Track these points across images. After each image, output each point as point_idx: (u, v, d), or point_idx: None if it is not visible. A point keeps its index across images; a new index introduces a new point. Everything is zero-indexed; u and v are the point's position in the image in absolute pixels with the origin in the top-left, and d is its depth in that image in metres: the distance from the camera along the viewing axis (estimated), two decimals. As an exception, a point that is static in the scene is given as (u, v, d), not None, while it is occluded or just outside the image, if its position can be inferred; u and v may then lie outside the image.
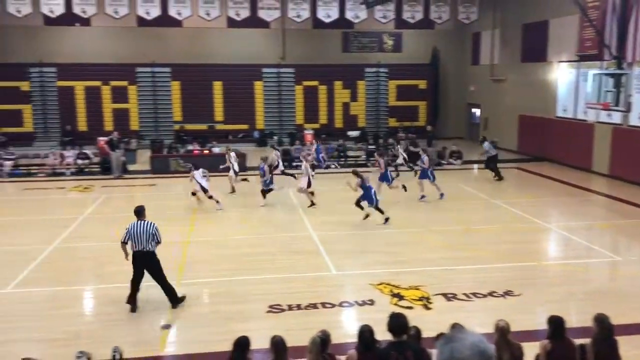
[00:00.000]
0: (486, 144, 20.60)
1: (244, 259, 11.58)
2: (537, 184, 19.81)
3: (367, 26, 29.03)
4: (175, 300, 9.11)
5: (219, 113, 30.23)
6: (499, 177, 20.05)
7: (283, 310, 8.97)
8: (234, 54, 29.87)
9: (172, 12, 25.14)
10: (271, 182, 16.37)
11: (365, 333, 5.39)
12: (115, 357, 5.74)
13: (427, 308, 9.08)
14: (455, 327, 5.38)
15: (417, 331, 5.75)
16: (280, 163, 19.12)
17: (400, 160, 20.81)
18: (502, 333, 5.83)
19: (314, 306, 9.11)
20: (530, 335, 7.26)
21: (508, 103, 26.79)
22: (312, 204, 16.09)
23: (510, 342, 5.83)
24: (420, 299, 9.36)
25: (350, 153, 24.83)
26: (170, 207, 16.35)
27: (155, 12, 25.07)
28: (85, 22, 27.38)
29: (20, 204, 17.19)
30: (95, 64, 28.81)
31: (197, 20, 26.35)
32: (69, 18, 25.73)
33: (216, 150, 23.95)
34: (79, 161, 22.48)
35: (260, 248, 12.38)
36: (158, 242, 9.02)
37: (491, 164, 20.44)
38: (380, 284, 9.99)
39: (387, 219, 14.13)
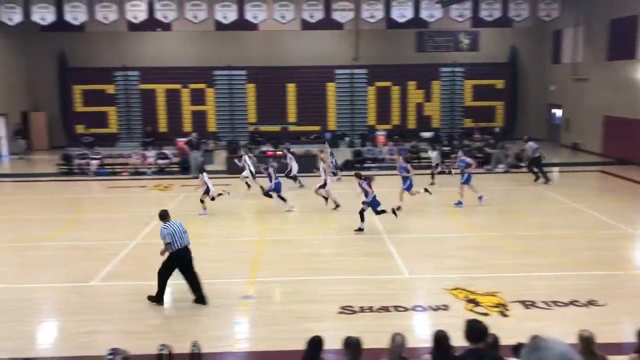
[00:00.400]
0: (530, 144, 20.03)
1: (315, 259, 11.66)
2: (622, 189, 18.73)
3: (442, 25, 28.50)
4: (201, 297, 9.25)
5: (292, 114, 30.64)
6: (546, 180, 19.41)
7: (355, 312, 8.95)
8: (307, 56, 30.20)
9: (249, 16, 25.69)
10: (278, 187, 16.00)
11: (442, 338, 5.28)
12: (193, 352, 5.92)
13: (504, 315, 8.78)
14: (536, 338, 5.17)
15: (495, 339, 5.56)
16: (295, 167, 19.37)
17: (435, 162, 20.01)
18: (587, 344, 5.54)
19: (385, 309, 9.03)
20: (617, 348, 6.87)
21: (591, 103, 25.50)
22: (332, 202, 16.16)
23: (595, 353, 5.53)
24: (496, 306, 9.07)
25: (423, 155, 24.42)
26: (243, 206, 16.73)
27: (232, 16, 25.71)
28: (166, 27, 28.53)
29: (105, 201, 18.10)
30: (175, 67, 29.98)
31: (272, 23, 26.80)
32: (151, 23, 26.87)
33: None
34: (160, 161, 23.40)
35: (331, 249, 12.41)
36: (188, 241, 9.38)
37: (534, 165, 19.86)
38: (455, 289, 9.76)
39: (360, 229, 13.45)
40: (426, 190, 15.90)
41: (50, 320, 9.17)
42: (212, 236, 13.58)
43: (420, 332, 8.16)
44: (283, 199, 15.97)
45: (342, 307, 9.05)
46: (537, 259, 11.49)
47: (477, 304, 9.16)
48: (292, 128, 30.36)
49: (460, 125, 30.62)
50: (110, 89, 30.15)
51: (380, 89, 30.67)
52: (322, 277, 10.51)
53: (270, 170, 16.09)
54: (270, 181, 16.01)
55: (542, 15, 26.50)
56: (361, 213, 13.43)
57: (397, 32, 29.45)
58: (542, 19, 26.81)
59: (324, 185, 16.23)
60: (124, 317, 8.92)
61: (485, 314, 8.65)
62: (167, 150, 24.12)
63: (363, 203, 13.53)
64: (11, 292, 10.05)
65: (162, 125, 30.40)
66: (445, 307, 9.06)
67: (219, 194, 15.88)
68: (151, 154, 23.61)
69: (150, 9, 25.52)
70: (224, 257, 11.90)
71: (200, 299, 9.28)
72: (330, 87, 30.74)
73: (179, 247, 9.12)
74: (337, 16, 26.30)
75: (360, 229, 13.46)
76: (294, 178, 19.27)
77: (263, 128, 29.90)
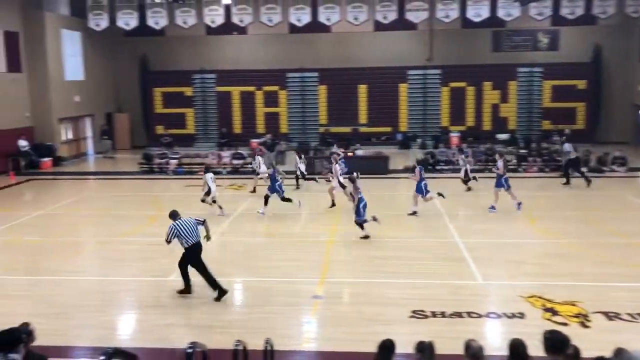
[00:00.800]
0: (567, 145, 19.34)
1: (387, 261, 11.57)
2: None
3: (520, 24, 27.61)
4: (219, 289, 9.50)
5: (363, 115, 30.61)
6: (588, 182, 18.70)
7: (426, 316, 8.81)
8: (379, 57, 30.09)
9: (322, 18, 25.91)
10: (279, 189, 15.81)
11: (518, 347, 5.09)
12: (267, 348, 6.02)
13: (585, 326, 8.38)
14: (621, 352, 4.89)
15: (576, 350, 5.29)
16: (303, 167, 19.70)
17: (467, 168, 18.98)
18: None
19: (458, 315, 8.84)
20: None
21: (684, 104, 23.90)
22: (333, 204, 16.33)
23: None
24: (576, 316, 8.67)
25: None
26: (313, 206, 16.86)
27: (305, 18, 26.02)
28: (242, 30, 29.27)
29: (183, 199, 18.74)
30: (250, 70, 30.68)
31: (345, 25, 26.91)
32: (227, 27, 27.66)
33: (360, 152, 24.27)
34: (235, 161, 24.01)
35: (403, 252, 12.29)
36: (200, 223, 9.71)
37: (571, 167, 19.11)
38: (532, 296, 9.41)
39: (366, 237, 13.01)
40: (440, 194, 15.39)
41: (131, 312, 9.60)
42: (283, 235, 13.78)
43: (494, 340, 7.93)
44: (286, 199, 15.87)
45: (414, 311, 8.94)
46: (619, 268, 10.89)
47: (555, 313, 8.80)
48: (362, 129, 30.33)
49: (538, 127, 29.53)
50: (188, 91, 31.26)
51: (455, 89, 30.08)
52: (392, 280, 10.43)
53: (273, 171, 16.08)
54: (272, 182, 15.87)
55: (630, 11, 25.11)
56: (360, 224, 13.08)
57: (473, 31, 28.79)
58: (630, 15, 25.40)
59: (341, 186, 16.46)
60: (198, 311, 9.20)
61: (564, 324, 8.29)
62: (242, 151, 24.70)
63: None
64: (96, 284, 10.62)
65: (237, 127, 31.19)
66: (521, 315, 8.75)
67: (288, 199, 15.82)
68: (226, 154, 24.26)
69: (227, 13, 26.27)
70: (295, 256, 12.04)
71: (220, 291, 9.49)
72: (403, 88, 30.45)
73: (192, 243, 9.48)
74: (410, 16, 26.05)
75: (366, 237, 13.04)
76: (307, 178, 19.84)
77: (333, 129, 30.03)
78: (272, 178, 15.95)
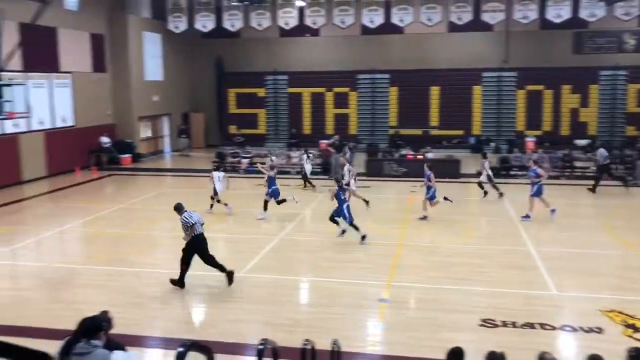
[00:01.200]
0: (601, 151, 18.84)
1: (456, 268, 11.35)
2: None
3: (604, 25, 26.32)
4: (227, 273, 10.23)
5: (434, 118, 30.17)
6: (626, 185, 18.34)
7: (496, 325, 8.57)
8: (453, 59, 29.55)
9: (395, 19, 25.74)
10: (277, 193, 15.65)
11: (597, 364, 4.86)
12: (334, 349, 6.04)
13: (670, 346, 7.87)
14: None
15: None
16: (308, 168, 19.68)
17: (483, 178, 18.03)
18: None
19: (530, 326, 8.53)
20: None
21: None
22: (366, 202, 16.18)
23: None
24: (660, 334, 8.17)
25: (577, 164, 22.72)
26: (382, 210, 16.77)
27: (378, 20, 25.94)
28: (315, 32, 29.53)
29: (253, 197, 19.12)
30: (321, 71, 30.91)
31: (418, 26, 26.61)
32: (300, 29, 28.00)
33: (430, 155, 23.90)
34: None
35: (472, 258, 12.00)
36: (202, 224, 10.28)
37: (603, 173, 18.60)
38: (611, 311, 8.94)
39: (363, 237, 12.82)
40: (446, 198, 14.94)
41: (202, 305, 9.91)
42: (353, 236, 13.76)
43: (569, 354, 7.62)
44: (283, 200, 15.77)
45: (483, 320, 8.72)
46: None
47: (637, 330, 8.33)
48: (433, 132, 29.89)
49: (621, 133, 28.05)
50: (261, 92, 31.90)
51: (531, 92, 29.10)
52: (462, 287, 10.20)
53: (272, 173, 15.87)
54: (269, 187, 15.70)
55: None
56: (352, 225, 12.96)
57: (552, 32, 27.74)
58: None
59: (347, 185, 16.11)
60: (266, 308, 9.36)
61: (647, 342, 7.83)
62: (312, 152, 24.88)
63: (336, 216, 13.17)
64: (169, 276, 11.00)
65: (307, 127, 31.52)
66: (599, 330, 8.34)
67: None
68: (295, 154, 24.54)
69: (301, 15, 26.59)
70: (361, 258, 12.02)
71: (228, 274, 10.21)
72: (477, 91, 29.76)
73: (197, 234, 10.02)
74: (486, 17, 25.43)
75: (363, 237, 12.94)
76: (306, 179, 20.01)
77: (403, 131, 29.75)
78: (271, 181, 15.71)
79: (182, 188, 21.00)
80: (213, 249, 12.74)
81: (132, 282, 10.63)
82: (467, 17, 25.38)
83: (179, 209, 10.25)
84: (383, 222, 15.18)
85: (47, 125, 22.63)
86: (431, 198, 15.15)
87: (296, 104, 31.58)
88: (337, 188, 13.31)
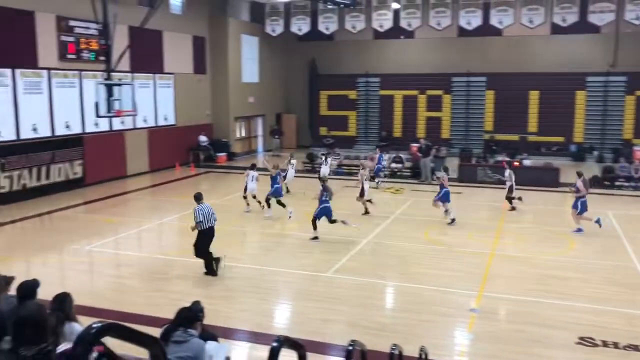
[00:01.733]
0: None
1: (552, 281, 10.79)
2: None
3: None
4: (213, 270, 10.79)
5: (532, 124, 28.91)
6: None
7: (596, 345, 8.05)
8: (554, 62, 28.18)
9: (494, 21, 24.95)
10: (279, 192, 15.88)
11: None
12: (421, 356, 5.93)
13: None
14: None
15: None
16: (291, 173, 19.35)
17: (512, 184, 16.74)
18: None
19: (635, 348, 7.94)
20: None
21: None
22: (366, 212, 16.02)
23: None
24: None
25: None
26: (474, 217, 16.28)
27: (476, 22, 25.25)
28: (409, 34, 29.21)
29: (340, 200, 19.22)
30: (414, 74, 30.51)
31: (518, 28, 25.62)
32: (394, 32, 27.81)
33: (527, 162, 22.92)
34: (393, 165, 24.05)
35: (571, 272, 11.36)
36: (216, 219, 10.82)
37: None
38: None
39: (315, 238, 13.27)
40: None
41: (289, 302, 10.06)
42: (444, 243, 13.47)
43: (679, 383, 7.01)
44: (282, 204, 15.79)
45: (581, 338, 8.22)
46: None
47: None
48: (531, 138, 28.62)
49: None
50: (352, 94, 32.01)
51: (641, 98, 27.16)
52: (559, 302, 9.67)
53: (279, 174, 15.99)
54: (271, 186, 15.82)
55: None
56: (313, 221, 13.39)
57: (668, 34, 25.75)
58: None
59: (362, 194, 16.06)
60: (353, 310, 9.35)
61: None
62: (402, 155, 24.67)
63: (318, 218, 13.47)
64: (256, 272, 11.28)
65: (397, 130, 31.23)
66: None
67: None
68: (385, 157, 24.37)
69: (396, 17, 26.42)
70: (453, 266, 11.72)
71: (210, 272, 10.78)
72: (580, 96, 28.20)
73: (207, 226, 10.55)
74: (594, 19, 24.04)
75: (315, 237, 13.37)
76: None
77: (499, 137, 28.73)
78: (274, 180, 15.89)
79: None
80: (300, 247, 12.95)
81: (222, 276, 10.99)
82: (572, 18, 24.12)
83: (197, 198, 10.89)
84: (476, 230, 14.73)
85: (151, 124, 23.97)
86: (581, 211, 14.31)
87: (387, 107, 31.39)
88: (321, 188, 13.62)
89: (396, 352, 5.21)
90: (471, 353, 8.10)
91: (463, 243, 13.44)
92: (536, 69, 28.52)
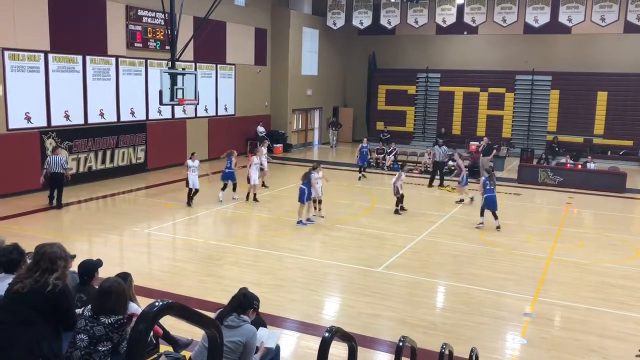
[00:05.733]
0: None
1: (613, 289, 10.38)
2: None
3: None
4: None
5: (599, 126, 27.77)
6: None
7: (658, 359, 7.69)
8: (626, 62, 26.96)
9: (562, 18, 24.09)
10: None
11: None
12: (472, 358, 5.84)
13: None
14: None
15: None
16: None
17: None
18: None
19: (701, 365, 7.54)
20: None
21: None
22: (403, 208, 15.93)
23: None
24: None
25: None
26: (532, 219, 15.84)
27: (544, 19, 24.46)
28: (473, 30, 28.57)
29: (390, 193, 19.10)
30: (476, 70, 29.86)
31: (588, 26, 24.62)
32: (458, 27, 27.28)
33: (591, 166, 22.06)
34: (450, 163, 23.62)
35: (634, 282, 10.89)
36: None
37: None
38: None
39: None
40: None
41: (339, 295, 10.09)
42: (501, 245, 13.18)
43: None
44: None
45: (642, 351, 7.88)
46: None
47: None
48: (597, 141, 27.53)
49: None
50: (411, 89, 31.64)
51: None
52: (619, 312, 9.30)
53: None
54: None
55: None
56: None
57: None
58: None
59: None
60: (403, 307, 9.29)
61: None
62: (462, 151, 24.20)
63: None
64: (310, 264, 11.38)
65: (456, 128, 30.67)
66: None
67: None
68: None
69: (460, 13, 25.90)
70: (508, 269, 11.45)
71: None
72: (652, 98, 26.87)
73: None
74: (671, 17, 22.82)
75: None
76: None
77: (563, 138, 27.77)
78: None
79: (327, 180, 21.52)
80: (352, 241, 12.97)
81: (275, 265, 11.15)
82: (648, 16, 22.99)
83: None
84: (534, 233, 14.33)
85: (211, 113, 24.48)
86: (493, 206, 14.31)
87: (447, 103, 30.86)
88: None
89: (446, 351, 5.15)
90: (523, 358, 7.91)
91: (520, 246, 13.10)
92: (606, 68, 27.35)
